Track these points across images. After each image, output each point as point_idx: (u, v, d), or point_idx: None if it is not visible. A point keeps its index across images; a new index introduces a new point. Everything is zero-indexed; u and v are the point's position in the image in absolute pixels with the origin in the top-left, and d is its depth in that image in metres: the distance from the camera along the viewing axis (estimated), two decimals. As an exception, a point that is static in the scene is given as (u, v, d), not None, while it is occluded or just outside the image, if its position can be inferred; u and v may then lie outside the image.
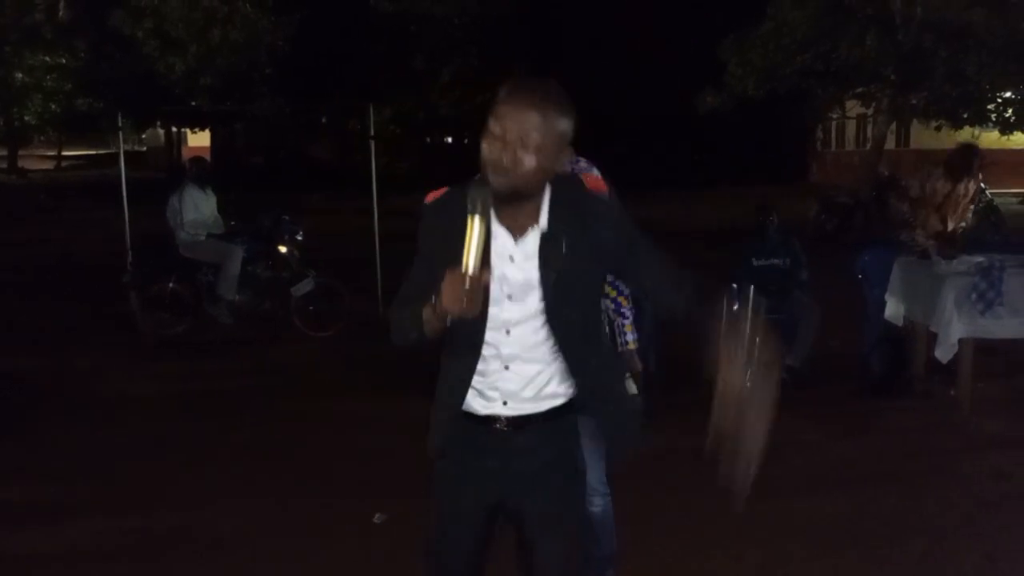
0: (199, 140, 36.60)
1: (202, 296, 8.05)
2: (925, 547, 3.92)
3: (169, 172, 25.89)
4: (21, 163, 37.28)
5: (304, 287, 8.07)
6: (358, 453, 5.10)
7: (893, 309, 6.40)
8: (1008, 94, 19.23)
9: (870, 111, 21.99)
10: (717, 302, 1.99)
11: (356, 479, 4.74)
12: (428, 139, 34.59)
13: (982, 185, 13.75)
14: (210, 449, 5.26)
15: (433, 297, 1.98)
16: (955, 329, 5.63)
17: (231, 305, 8.04)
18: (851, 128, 30.92)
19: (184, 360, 7.42)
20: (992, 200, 14.11)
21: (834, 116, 26.74)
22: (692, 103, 20.84)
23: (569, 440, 2.24)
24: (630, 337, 3.22)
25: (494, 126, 1.97)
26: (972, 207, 6.62)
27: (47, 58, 28.52)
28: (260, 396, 6.44)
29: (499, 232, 2.07)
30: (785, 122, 27.17)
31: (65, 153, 45.58)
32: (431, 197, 2.18)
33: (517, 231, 2.07)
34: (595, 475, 3.10)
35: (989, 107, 19.30)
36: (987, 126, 20.12)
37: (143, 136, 46.37)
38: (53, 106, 30.26)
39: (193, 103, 23.73)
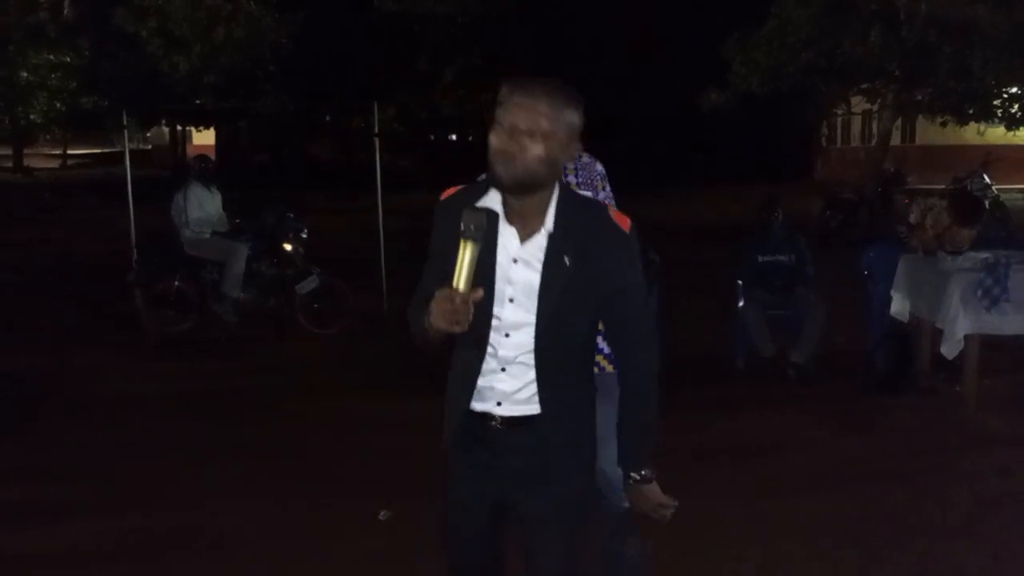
0: (204, 138, 36.66)
1: (207, 294, 8.05)
2: (926, 547, 3.89)
3: (174, 170, 25.90)
4: (27, 162, 37.30)
5: (308, 284, 8.05)
6: (359, 453, 5.08)
7: (898, 305, 6.37)
8: (1014, 89, 19.18)
9: (875, 107, 21.93)
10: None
11: (357, 479, 4.72)
12: (431, 137, 34.63)
13: (987, 181, 13.79)
14: (210, 449, 5.24)
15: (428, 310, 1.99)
16: (960, 325, 5.61)
17: (236, 303, 8.03)
18: (856, 124, 30.87)
19: (184, 360, 7.42)
20: (998, 196, 14.07)
21: (839, 112, 26.69)
22: (695, 101, 20.81)
23: (576, 437, 2.20)
24: None
25: (503, 116, 1.97)
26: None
27: (51, 57, 28.65)
28: (260, 396, 6.42)
29: (506, 232, 2.06)
30: (789, 119, 27.14)
31: (70, 152, 45.60)
32: (445, 195, 2.17)
33: (524, 233, 2.06)
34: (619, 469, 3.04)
35: (995, 103, 19.26)
36: (992, 122, 20.07)
37: (148, 134, 46.52)
38: (58, 105, 30.41)
39: (197, 101, 23.77)
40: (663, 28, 27.64)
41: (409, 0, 27.63)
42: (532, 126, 1.94)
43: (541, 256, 2.05)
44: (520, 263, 2.06)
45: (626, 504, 3.04)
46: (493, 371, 2.13)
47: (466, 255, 1.92)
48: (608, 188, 3.13)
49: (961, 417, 5.68)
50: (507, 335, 2.10)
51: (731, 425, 5.48)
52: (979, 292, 5.56)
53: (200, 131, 36.68)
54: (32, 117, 32.11)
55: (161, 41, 23.70)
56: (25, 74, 29.15)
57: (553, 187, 2.06)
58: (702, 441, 5.11)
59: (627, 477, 2.28)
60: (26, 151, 38.59)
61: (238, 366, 7.32)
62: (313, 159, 33.46)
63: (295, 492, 4.58)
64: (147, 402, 6.29)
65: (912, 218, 6.46)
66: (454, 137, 35.97)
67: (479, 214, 1.94)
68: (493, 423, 2.15)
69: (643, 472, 2.25)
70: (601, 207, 2.17)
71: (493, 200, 2.07)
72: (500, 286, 2.06)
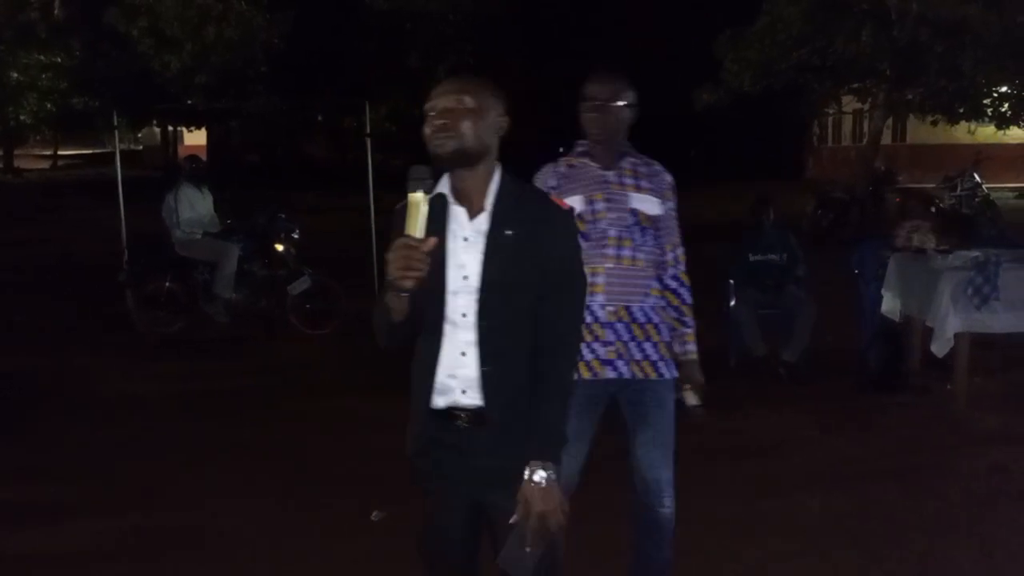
0: (195, 138, 36.48)
1: (198, 294, 8.05)
2: (923, 544, 3.93)
3: (165, 170, 25.78)
4: (17, 163, 37.14)
5: (300, 285, 8.06)
6: (358, 452, 5.10)
7: (890, 304, 6.42)
8: (1004, 89, 19.23)
9: (866, 106, 21.98)
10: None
11: (356, 479, 4.74)
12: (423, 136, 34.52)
13: (978, 180, 13.86)
14: (210, 449, 5.26)
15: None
16: (951, 324, 5.65)
17: (227, 303, 8.03)
18: (847, 123, 30.90)
19: (184, 360, 7.43)
20: (989, 195, 14.15)
21: (830, 111, 26.70)
22: (688, 100, 20.81)
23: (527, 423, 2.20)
24: (691, 347, 3.09)
25: (429, 109, 2.15)
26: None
27: (42, 57, 28.47)
28: (260, 396, 6.44)
29: (455, 212, 2.17)
30: (781, 118, 27.14)
31: (61, 152, 45.41)
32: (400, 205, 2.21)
33: (472, 212, 2.17)
34: (666, 472, 2.99)
35: (985, 102, 19.30)
36: (983, 121, 20.14)
37: (139, 135, 46.24)
38: (48, 105, 30.20)
39: (188, 101, 23.67)
40: (658, 27, 27.60)
41: (400, -2, 27.54)
42: (457, 104, 2.12)
43: (486, 230, 2.15)
44: (469, 241, 2.15)
45: (664, 509, 3.00)
46: (453, 356, 2.17)
47: (415, 205, 2.00)
48: (673, 201, 3.09)
49: (953, 415, 5.73)
50: (464, 315, 2.15)
51: (729, 424, 5.51)
52: (969, 290, 5.60)
53: (191, 131, 36.54)
54: (22, 118, 31.88)
55: (152, 41, 23.57)
56: (15, 74, 28.96)
57: (492, 166, 2.19)
58: (701, 441, 5.14)
59: (530, 469, 2.14)
60: (16, 152, 38.42)
61: (237, 366, 7.33)
62: (306, 158, 33.33)
63: (295, 492, 4.61)
64: (147, 402, 6.30)
65: (899, 241, 6.47)
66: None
67: (423, 168, 2.03)
68: (458, 423, 2.18)
69: (548, 466, 2.14)
70: (542, 193, 2.34)
71: (443, 186, 2.18)
72: (453, 272, 2.15)
